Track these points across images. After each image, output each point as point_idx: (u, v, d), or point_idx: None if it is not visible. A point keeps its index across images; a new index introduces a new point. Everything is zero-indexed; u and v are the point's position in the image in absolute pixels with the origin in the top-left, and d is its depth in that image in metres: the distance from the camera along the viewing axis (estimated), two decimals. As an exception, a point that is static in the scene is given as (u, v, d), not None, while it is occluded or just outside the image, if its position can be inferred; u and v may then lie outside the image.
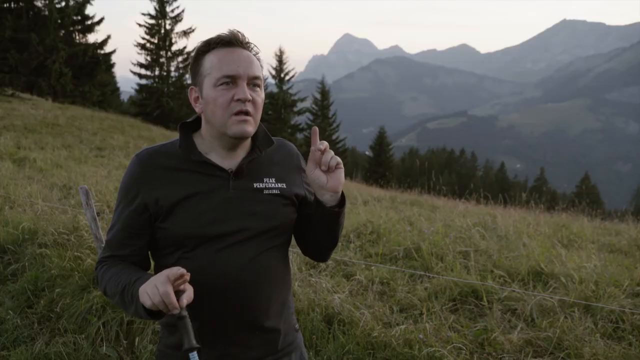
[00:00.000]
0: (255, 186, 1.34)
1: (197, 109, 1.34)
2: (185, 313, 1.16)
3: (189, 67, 1.36)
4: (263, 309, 1.34)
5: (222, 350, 1.31)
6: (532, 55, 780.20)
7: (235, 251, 1.30)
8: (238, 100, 1.25)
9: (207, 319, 1.29)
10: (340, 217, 1.35)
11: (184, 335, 1.15)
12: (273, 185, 1.37)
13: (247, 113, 1.27)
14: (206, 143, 1.35)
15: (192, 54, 1.33)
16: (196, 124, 1.39)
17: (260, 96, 1.30)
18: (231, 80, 1.26)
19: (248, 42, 1.31)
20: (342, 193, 1.33)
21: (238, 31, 1.29)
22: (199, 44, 1.31)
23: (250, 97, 1.26)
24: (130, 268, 1.30)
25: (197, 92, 1.32)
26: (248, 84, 1.28)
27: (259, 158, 1.38)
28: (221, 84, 1.26)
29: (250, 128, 1.29)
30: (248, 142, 1.39)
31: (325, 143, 1.27)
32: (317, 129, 1.30)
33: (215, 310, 1.29)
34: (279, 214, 1.36)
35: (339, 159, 1.27)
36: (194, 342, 1.15)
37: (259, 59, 1.33)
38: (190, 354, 1.15)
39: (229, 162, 1.34)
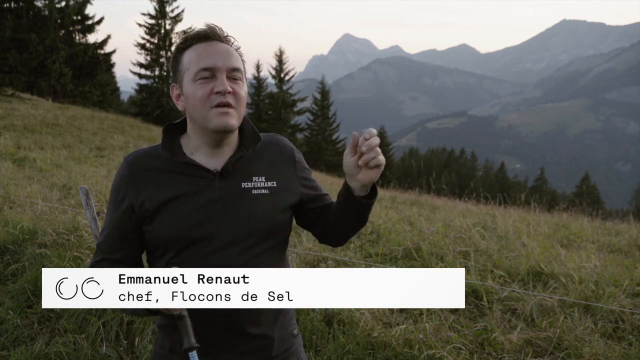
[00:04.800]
0: (243, 186, 1.30)
1: (179, 106, 1.31)
2: (185, 313, 1.17)
3: (170, 65, 1.34)
4: (254, 316, 1.30)
5: (214, 357, 1.29)
6: (532, 55, 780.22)
7: (224, 255, 1.26)
8: (217, 92, 1.22)
9: (197, 325, 1.25)
10: (365, 208, 1.31)
11: (184, 334, 1.16)
12: (262, 184, 1.33)
13: (228, 105, 1.23)
14: (192, 143, 1.32)
15: (172, 52, 1.32)
16: (184, 125, 1.37)
17: (242, 89, 1.27)
18: (210, 74, 1.23)
19: (227, 36, 1.29)
20: (374, 186, 1.29)
21: (215, 25, 1.27)
22: (177, 41, 1.29)
23: (229, 89, 1.23)
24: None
25: (178, 89, 1.30)
26: (228, 77, 1.25)
27: (247, 156, 1.33)
28: (200, 78, 1.23)
29: (233, 120, 1.25)
30: (235, 140, 1.35)
31: (373, 133, 1.17)
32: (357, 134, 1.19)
33: (205, 317, 1.26)
34: (269, 215, 1.31)
35: (380, 161, 1.18)
36: (193, 341, 1.15)
37: (240, 54, 1.31)
38: (190, 353, 1.16)
39: (215, 161, 1.31)
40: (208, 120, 1.24)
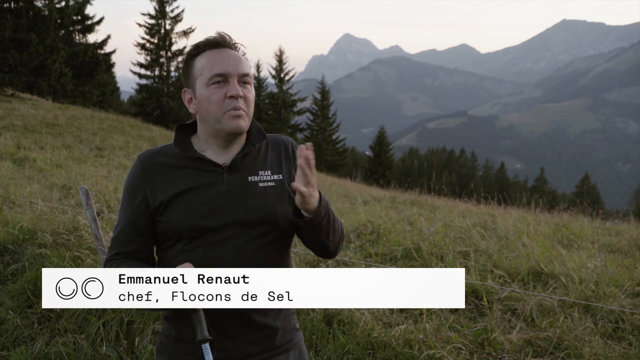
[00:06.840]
0: (250, 179, 1.39)
1: (191, 109, 1.40)
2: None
3: (181, 70, 1.43)
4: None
5: (219, 344, 1.34)
6: (532, 55, 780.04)
7: (232, 244, 1.33)
8: (231, 97, 1.32)
9: (205, 314, 1.30)
10: (311, 229, 1.33)
11: (197, 327, 1.20)
12: (269, 177, 1.41)
13: (240, 108, 1.33)
14: (202, 142, 1.42)
15: (183, 58, 1.41)
16: (194, 126, 1.46)
17: (251, 93, 1.37)
18: (222, 79, 1.32)
19: (235, 43, 1.38)
20: (319, 213, 1.30)
21: (225, 33, 1.37)
22: (189, 48, 1.39)
23: (241, 94, 1.33)
24: (138, 266, 1.35)
25: (191, 94, 1.40)
26: (238, 82, 1.34)
27: (253, 152, 1.43)
28: (213, 83, 1.32)
29: (244, 123, 1.35)
30: (242, 139, 1.44)
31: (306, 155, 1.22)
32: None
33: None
34: (275, 207, 1.38)
35: (300, 188, 1.22)
36: (206, 333, 1.19)
37: (246, 59, 1.40)
38: (203, 345, 1.20)
39: (224, 157, 1.40)
40: (222, 123, 1.33)
